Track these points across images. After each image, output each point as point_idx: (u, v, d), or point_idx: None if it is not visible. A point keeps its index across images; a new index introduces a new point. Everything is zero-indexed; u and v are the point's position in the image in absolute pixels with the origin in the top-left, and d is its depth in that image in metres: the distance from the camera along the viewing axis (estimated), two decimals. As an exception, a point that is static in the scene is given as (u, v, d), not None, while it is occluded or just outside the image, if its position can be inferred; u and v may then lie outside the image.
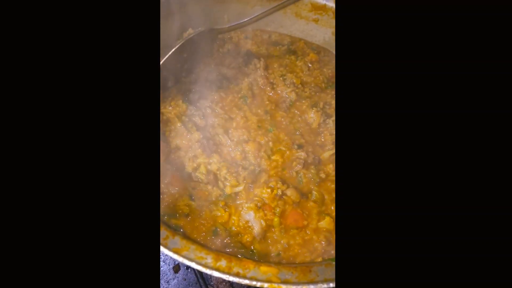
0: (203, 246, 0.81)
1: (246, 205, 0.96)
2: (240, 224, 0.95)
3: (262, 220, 0.95)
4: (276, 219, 0.95)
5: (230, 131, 1.11)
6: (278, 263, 0.87)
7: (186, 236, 0.84)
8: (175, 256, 0.75)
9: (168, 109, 1.13)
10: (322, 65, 1.40)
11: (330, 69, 1.39)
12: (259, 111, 1.19)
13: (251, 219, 0.95)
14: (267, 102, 1.23)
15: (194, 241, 0.82)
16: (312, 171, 1.06)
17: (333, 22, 1.47)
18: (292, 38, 1.51)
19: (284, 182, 1.02)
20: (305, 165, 1.06)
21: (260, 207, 0.97)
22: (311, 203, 1.00)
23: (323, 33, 1.50)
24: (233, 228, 0.94)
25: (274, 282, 0.76)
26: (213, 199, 0.99)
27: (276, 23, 1.53)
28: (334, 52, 1.48)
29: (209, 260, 0.78)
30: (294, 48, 1.46)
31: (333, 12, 1.45)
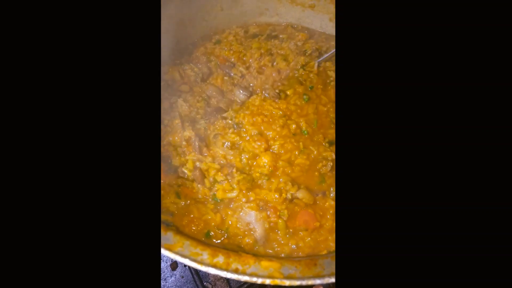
0: (199, 241, 0.75)
1: (247, 205, 0.89)
2: (239, 226, 0.88)
3: (265, 223, 0.87)
4: (281, 222, 0.87)
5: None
6: (280, 257, 0.81)
7: (179, 231, 0.78)
8: (167, 253, 0.69)
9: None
10: (317, 41, 1.34)
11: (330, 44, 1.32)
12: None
13: (252, 221, 0.87)
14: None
15: (188, 236, 0.76)
16: None
17: (330, 7, 1.41)
18: (276, 27, 1.43)
19: (294, 182, 0.93)
20: (334, 167, 0.96)
21: (262, 207, 0.89)
22: (330, 202, 0.91)
23: (320, 19, 1.45)
24: (230, 230, 0.88)
25: (277, 278, 0.69)
26: (200, 197, 0.92)
27: (271, 11, 1.47)
28: (330, 33, 1.42)
29: (205, 256, 0.72)
30: (276, 34, 1.38)
31: (330, -4, 1.39)
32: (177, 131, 1.03)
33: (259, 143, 0.99)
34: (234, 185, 0.92)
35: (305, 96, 1.11)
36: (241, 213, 0.88)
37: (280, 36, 1.37)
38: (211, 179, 0.94)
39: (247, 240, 0.86)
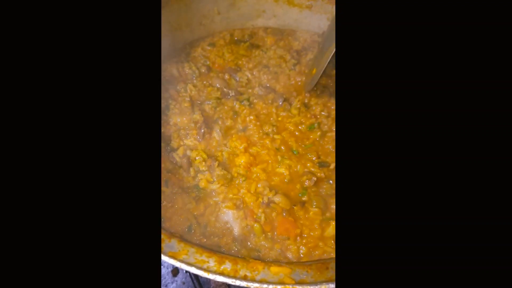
0: (204, 248, 0.72)
1: (224, 205, 0.88)
2: (217, 225, 0.86)
3: (242, 222, 0.86)
4: (257, 227, 0.85)
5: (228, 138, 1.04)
6: (290, 262, 0.77)
7: (183, 239, 0.74)
8: (172, 261, 0.66)
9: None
10: (286, 42, 1.37)
11: (295, 44, 1.35)
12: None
13: (229, 220, 0.87)
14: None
15: (193, 243, 0.73)
16: (326, 185, 0.95)
17: (328, 7, 1.40)
18: (251, 31, 1.44)
19: (272, 188, 0.92)
20: (317, 183, 0.95)
21: (239, 206, 0.88)
22: (315, 209, 0.89)
23: (318, 19, 1.44)
24: (208, 229, 0.86)
25: (288, 284, 0.66)
26: (185, 186, 0.93)
27: (268, 13, 1.46)
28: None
29: (212, 263, 0.69)
30: (255, 41, 1.39)
31: (327, -4, 1.39)
32: (186, 113, 1.07)
33: (240, 141, 1.01)
34: (214, 178, 0.93)
35: (315, 124, 1.07)
36: (218, 213, 0.88)
37: (256, 43, 1.38)
38: (196, 168, 0.96)
39: (225, 240, 0.84)
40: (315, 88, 1.17)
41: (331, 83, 1.21)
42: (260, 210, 0.88)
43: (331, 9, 1.40)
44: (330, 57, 1.00)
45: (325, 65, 1.03)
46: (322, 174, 0.96)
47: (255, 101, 1.14)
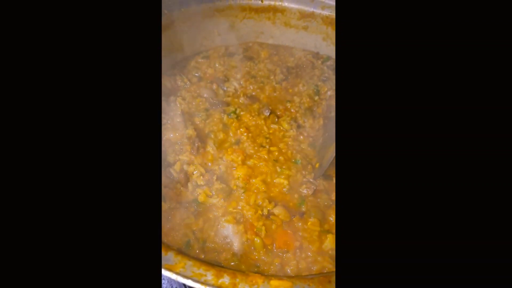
0: (202, 261, 0.70)
1: (224, 219, 0.87)
2: (217, 240, 0.84)
3: (243, 236, 0.84)
4: (258, 240, 0.83)
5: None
6: (291, 276, 0.75)
7: (181, 251, 0.72)
8: (168, 274, 0.64)
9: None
10: (281, 57, 1.42)
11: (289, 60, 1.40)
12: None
13: (229, 234, 0.85)
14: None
15: (191, 256, 0.71)
16: (324, 196, 0.95)
17: (323, 28, 1.46)
18: (246, 45, 1.49)
19: (271, 200, 0.92)
20: (315, 193, 0.95)
21: (239, 220, 0.87)
22: (313, 220, 0.88)
23: (314, 39, 1.49)
24: (207, 244, 0.84)
25: (289, 297, 0.63)
26: (183, 201, 0.91)
27: (266, 34, 1.52)
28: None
29: (209, 277, 0.66)
30: (249, 54, 1.44)
31: (321, 18, 1.45)
32: (179, 129, 1.06)
33: (236, 154, 1.00)
34: (213, 192, 0.92)
35: (314, 144, 1.09)
36: (218, 227, 0.86)
37: (250, 55, 1.43)
38: (194, 182, 0.94)
39: (224, 255, 0.82)
40: (300, 106, 1.21)
41: (314, 106, 1.23)
42: (260, 223, 0.86)
43: (326, 29, 1.46)
44: (332, 157, 0.95)
45: (327, 165, 0.97)
46: (321, 185, 0.96)
47: (241, 113, 1.14)
